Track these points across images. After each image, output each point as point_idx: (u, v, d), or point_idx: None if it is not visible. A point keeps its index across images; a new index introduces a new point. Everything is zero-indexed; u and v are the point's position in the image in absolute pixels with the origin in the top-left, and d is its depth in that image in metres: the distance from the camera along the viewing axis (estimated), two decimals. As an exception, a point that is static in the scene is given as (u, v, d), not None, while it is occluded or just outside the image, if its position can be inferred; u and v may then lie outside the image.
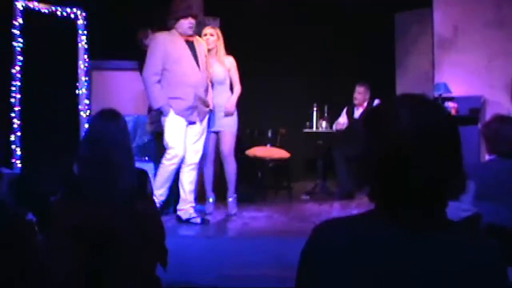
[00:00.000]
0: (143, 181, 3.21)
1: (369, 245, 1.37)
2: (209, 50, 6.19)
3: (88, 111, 6.96)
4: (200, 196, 6.53)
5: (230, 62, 6.36)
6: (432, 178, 1.36)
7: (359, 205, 7.18)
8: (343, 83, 8.60)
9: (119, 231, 2.88)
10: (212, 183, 6.50)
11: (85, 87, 6.99)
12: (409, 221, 1.38)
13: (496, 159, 3.81)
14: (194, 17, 5.84)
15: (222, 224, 6.14)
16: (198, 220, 5.94)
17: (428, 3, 8.07)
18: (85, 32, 7.00)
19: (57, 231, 2.85)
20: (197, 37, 6.04)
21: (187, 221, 5.94)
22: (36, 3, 6.66)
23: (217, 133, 6.34)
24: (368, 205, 1.33)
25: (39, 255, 2.18)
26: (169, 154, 5.81)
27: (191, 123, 5.87)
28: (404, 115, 1.38)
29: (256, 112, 6.66)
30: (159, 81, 5.73)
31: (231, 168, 6.39)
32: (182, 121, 5.80)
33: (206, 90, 5.96)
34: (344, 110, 8.11)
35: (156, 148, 6.52)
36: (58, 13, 6.83)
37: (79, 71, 6.95)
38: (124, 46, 7.14)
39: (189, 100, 5.77)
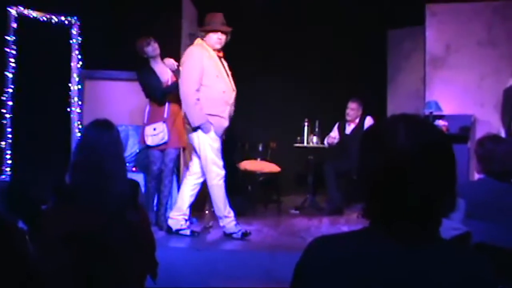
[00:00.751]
0: (135, 191, 3.21)
1: (365, 260, 1.39)
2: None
3: (80, 119, 6.95)
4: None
5: None
6: (427, 195, 1.40)
7: (348, 221, 7.20)
8: (334, 99, 8.64)
9: (111, 240, 2.87)
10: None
11: (77, 95, 6.98)
12: (404, 236, 1.41)
13: (486, 178, 3.83)
14: (224, 32, 5.82)
15: (211, 237, 6.12)
16: (188, 232, 5.92)
17: (421, 21, 8.13)
18: (79, 40, 7.00)
19: (48, 239, 2.84)
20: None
21: (177, 232, 5.93)
22: (30, 11, 6.66)
23: None
24: (357, 221, 1.35)
25: (30, 264, 2.17)
26: (213, 172, 5.78)
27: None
28: (401, 133, 1.41)
29: (247, 126, 6.67)
30: (199, 98, 5.67)
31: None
32: (217, 138, 5.80)
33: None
34: (336, 126, 8.14)
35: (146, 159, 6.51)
36: (53, 21, 6.83)
37: (72, 79, 6.95)
38: (117, 56, 7.14)
39: (225, 118, 5.79)
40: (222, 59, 5.89)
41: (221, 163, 5.79)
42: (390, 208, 1.41)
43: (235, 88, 5.89)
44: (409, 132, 1.42)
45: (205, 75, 5.67)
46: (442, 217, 1.45)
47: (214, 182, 5.78)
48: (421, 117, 1.52)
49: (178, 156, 6.54)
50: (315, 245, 1.50)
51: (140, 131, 6.43)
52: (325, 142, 8.13)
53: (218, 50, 5.83)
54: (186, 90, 5.67)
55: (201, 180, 5.95)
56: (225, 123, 5.79)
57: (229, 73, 5.87)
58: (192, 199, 5.99)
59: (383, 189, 1.41)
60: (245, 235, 5.83)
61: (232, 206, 6.01)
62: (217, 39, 5.77)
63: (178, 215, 5.96)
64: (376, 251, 1.41)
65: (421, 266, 1.39)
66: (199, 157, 5.84)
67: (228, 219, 5.85)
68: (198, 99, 5.63)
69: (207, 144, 5.74)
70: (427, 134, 1.43)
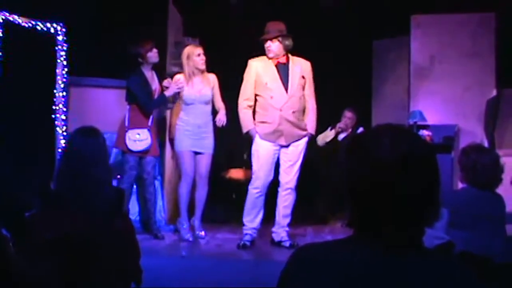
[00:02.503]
0: (119, 199, 3.21)
1: (349, 269, 1.41)
2: (202, 71, 6.33)
3: (65, 126, 6.92)
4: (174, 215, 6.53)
5: (213, 79, 6.44)
6: (411, 205, 1.41)
7: (333, 231, 7.23)
8: (319, 108, 8.65)
9: (96, 246, 2.87)
10: (187, 204, 6.43)
11: (62, 102, 6.95)
12: (388, 245, 1.42)
13: (469, 188, 3.87)
14: (273, 39, 6.06)
15: (196, 245, 6.12)
16: (287, 244, 6.05)
17: (406, 32, 8.18)
18: (65, 47, 6.99)
19: (34, 245, 2.83)
20: (294, 57, 6.23)
21: (279, 243, 6.08)
22: (16, 17, 6.64)
23: (196, 153, 6.34)
24: (341, 231, 1.35)
25: (15, 270, 2.17)
26: (252, 178, 6.02)
27: (283, 146, 5.90)
28: (385, 143, 1.44)
29: (232, 134, 6.68)
30: (250, 106, 5.99)
31: (203, 191, 6.40)
32: (268, 145, 5.88)
33: (298, 112, 6.05)
34: (330, 128, 8.08)
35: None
36: (38, 27, 6.81)
37: (57, 86, 6.92)
38: (103, 64, 7.13)
39: (274, 123, 5.87)
40: (288, 64, 6.10)
41: (263, 170, 5.97)
42: (374, 217, 1.43)
43: (293, 93, 6.01)
44: (393, 142, 1.44)
45: (257, 85, 5.99)
46: (425, 227, 1.47)
47: (249, 187, 6.08)
48: (405, 128, 1.54)
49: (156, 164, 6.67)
50: (300, 253, 1.51)
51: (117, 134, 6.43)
52: (320, 139, 8.02)
53: (282, 55, 6.10)
54: (238, 101, 6.05)
55: (290, 190, 6.14)
56: (273, 127, 5.92)
57: (291, 77, 6.03)
58: (286, 210, 6.21)
59: (367, 198, 1.43)
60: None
61: (217, 214, 6.08)
62: (266, 48, 6.01)
63: (277, 228, 6.17)
64: (360, 260, 1.42)
65: (404, 275, 1.40)
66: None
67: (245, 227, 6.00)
68: (249, 107, 6.01)
69: (254, 150, 6.01)
70: (411, 145, 1.45)
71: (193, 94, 6.30)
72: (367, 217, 1.44)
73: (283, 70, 6.01)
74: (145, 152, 6.26)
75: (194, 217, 6.42)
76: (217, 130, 6.44)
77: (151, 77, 6.40)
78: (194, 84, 6.31)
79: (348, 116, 8.03)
